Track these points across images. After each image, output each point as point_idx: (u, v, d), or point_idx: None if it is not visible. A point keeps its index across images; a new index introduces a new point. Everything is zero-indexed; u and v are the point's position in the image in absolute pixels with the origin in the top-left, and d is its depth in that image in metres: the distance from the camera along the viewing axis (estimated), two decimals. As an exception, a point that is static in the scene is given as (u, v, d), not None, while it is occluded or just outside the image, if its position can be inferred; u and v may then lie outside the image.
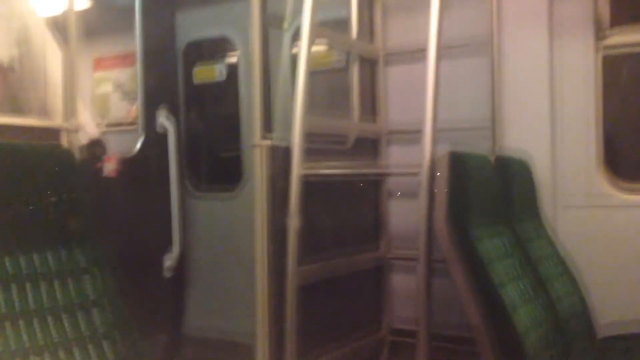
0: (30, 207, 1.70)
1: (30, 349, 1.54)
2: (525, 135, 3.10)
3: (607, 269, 2.89)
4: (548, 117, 3.07)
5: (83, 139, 2.21)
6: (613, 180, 3.03)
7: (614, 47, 3.04)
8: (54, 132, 2.06)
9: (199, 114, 3.88)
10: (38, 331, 1.58)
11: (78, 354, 1.63)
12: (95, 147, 2.81)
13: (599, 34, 3.04)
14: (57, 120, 2.12)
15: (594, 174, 3.03)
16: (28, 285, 1.61)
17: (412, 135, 2.97)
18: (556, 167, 3.08)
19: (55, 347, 1.60)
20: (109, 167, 3.14)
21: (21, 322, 1.56)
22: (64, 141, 2.04)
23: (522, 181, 2.88)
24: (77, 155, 1.99)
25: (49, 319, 1.62)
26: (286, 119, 2.63)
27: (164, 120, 3.54)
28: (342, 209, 3.14)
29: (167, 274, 3.48)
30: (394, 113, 3.47)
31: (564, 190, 3.07)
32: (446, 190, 2.22)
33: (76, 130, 2.09)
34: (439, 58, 2.40)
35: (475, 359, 2.01)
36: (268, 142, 2.58)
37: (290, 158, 2.55)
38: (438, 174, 2.27)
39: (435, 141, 2.38)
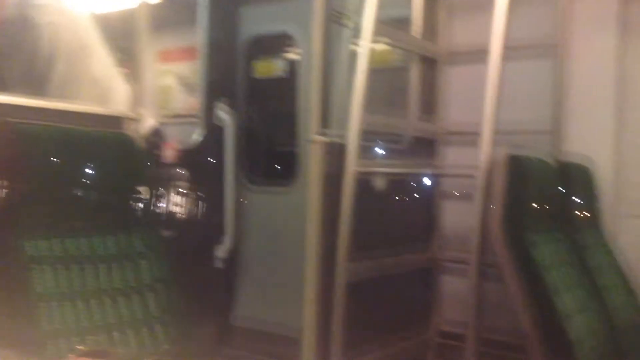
0: (94, 192, 1.76)
1: (87, 329, 1.60)
2: (589, 141, 3.00)
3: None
4: (613, 123, 2.97)
5: (143, 127, 2.27)
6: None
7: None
8: (115, 120, 2.10)
9: (257, 108, 3.92)
10: (95, 311, 1.64)
11: (132, 336, 1.68)
12: (154, 135, 2.88)
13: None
14: (120, 109, 2.18)
15: (660, 184, 2.92)
16: (88, 267, 1.67)
17: (470, 136, 2.92)
18: (619, 175, 2.97)
19: (110, 327, 1.65)
20: (168, 153, 3.22)
21: (79, 302, 1.62)
22: (126, 129, 2.09)
23: (582, 187, 2.80)
24: (139, 143, 2.04)
25: (106, 300, 1.67)
26: (343, 115, 2.64)
27: (222, 113, 3.60)
28: (396, 208, 3.12)
29: (219, 264, 3.54)
30: (452, 114, 3.42)
31: (626, 199, 2.96)
32: (503, 193, 2.18)
33: (139, 119, 2.15)
34: (502, 59, 2.36)
35: (524, 367, 1.97)
36: (324, 139, 2.59)
37: (346, 155, 2.55)
38: (495, 176, 2.24)
39: (493, 143, 2.34)
